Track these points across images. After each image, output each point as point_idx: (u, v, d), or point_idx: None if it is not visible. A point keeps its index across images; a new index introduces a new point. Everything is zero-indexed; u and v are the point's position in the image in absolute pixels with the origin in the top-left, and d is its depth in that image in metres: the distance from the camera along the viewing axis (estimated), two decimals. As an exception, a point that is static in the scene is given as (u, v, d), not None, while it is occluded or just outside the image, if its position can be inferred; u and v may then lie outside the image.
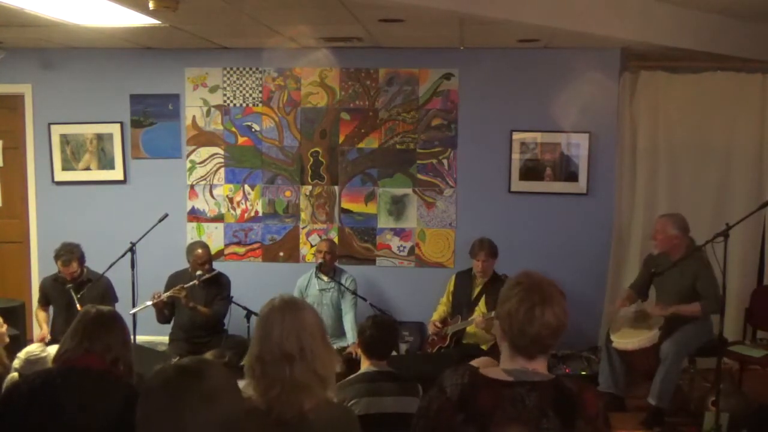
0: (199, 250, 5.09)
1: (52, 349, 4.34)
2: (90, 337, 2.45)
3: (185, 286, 4.84)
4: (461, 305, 5.14)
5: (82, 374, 2.39)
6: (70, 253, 4.85)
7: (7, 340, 3.73)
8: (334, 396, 2.20)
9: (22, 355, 4.58)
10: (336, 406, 2.20)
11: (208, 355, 2.50)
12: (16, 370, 4.30)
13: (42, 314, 5.17)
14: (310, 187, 5.96)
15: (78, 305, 4.56)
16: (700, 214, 5.35)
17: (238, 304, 4.73)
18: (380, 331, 3.22)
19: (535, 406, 1.77)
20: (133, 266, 4.66)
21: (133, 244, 4.71)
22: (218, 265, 5.31)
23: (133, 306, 4.61)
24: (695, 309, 4.55)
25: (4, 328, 3.68)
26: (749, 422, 4.19)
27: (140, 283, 4.71)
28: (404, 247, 5.92)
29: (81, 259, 4.92)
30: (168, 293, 4.85)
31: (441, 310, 5.30)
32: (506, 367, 1.87)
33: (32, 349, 4.63)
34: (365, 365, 3.21)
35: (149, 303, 4.75)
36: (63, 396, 2.32)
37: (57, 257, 4.88)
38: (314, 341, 2.09)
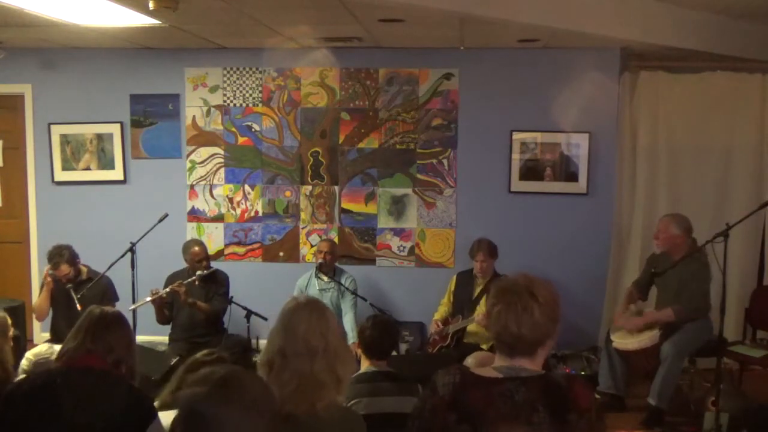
0: (196, 248, 5.09)
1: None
2: (93, 337, 2.45)
3: (184, 282, 4.84)
4: (462, 305, 5.14)
5: (82, 374, 2.39)
6: (58, 255, 4.78)
7: (12, 342, 3.73)
8: (343, 400, 2.21)
9: (30, 356, 4.58)
10: (346, 409, 2.22)
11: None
12: (24, 371, 4.30)
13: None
14: (310, 187, 5.96)
15: (78, 305, 4.56)
16: (700, 214, 5.34)
17: (238, 304, 4.73)
18: (380, 331, 3.22)
19: (525, 401, 1.78)
20: (133, 266, 4.67)
21: (133, 244, 4.71)
22: (218, 265, 5.30)
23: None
24: (668, 314, 4.52)
25: (11, 331, 3.66)
26: (749, 422, 4.19)
27: (140, 283, 4.72)
28: (404, 247, 5.92)
29: (71, 260, 4.82)
30: (167, 289, 4.85)
31: (442, 310, 5.31)
32: (496, 365, 1.90)
33: (41, 350, 4.63)
34: (365, 365, 3.21)
35: (148, 299, 4.75)
36: (63, 395, 2.32)
37: (48, 260, 4.82)
38: (338, 341, 2.11)
